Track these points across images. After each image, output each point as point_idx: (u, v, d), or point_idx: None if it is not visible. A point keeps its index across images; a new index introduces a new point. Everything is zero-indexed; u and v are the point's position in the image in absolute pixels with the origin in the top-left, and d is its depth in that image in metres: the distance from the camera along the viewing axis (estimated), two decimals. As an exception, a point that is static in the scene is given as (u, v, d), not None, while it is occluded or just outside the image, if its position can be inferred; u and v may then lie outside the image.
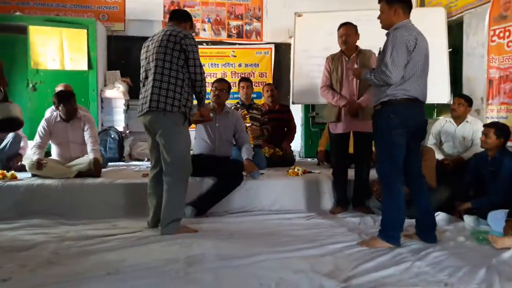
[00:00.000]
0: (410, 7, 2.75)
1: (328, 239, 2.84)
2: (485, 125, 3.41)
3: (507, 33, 4.14)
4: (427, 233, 2.76)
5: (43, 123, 3.92)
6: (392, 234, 2.67)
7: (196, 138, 3.87)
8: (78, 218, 3.31)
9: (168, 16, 6.37)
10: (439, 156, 3.91)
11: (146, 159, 5.49)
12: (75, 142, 3.97)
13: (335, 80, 3.62)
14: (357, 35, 3.58)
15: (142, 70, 3.05)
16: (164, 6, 6.50)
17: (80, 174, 3.75)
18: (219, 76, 6.48)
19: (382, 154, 2.72)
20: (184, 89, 2.90)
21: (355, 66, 3.48)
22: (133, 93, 5.95)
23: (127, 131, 5.73)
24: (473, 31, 4.81)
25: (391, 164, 2.68)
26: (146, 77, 2.97)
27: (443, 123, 4.18)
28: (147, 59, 2.98)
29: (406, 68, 2.62)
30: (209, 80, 5.34)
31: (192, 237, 2.88)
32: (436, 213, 3.33)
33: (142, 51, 3.08)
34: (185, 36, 2.88)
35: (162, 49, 2.86)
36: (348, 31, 3.54)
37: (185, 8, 6.54)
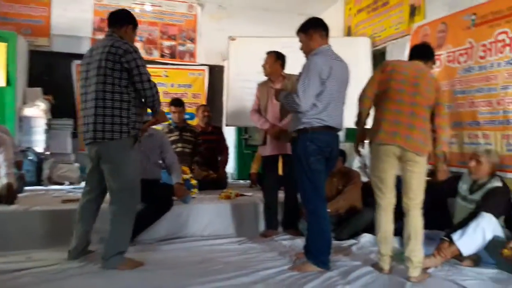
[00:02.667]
0: (326, 31, 2.81)
1: (259, 265, 2.81)
2: None
3: (426, 64, 4.47)
4: None
5: None
6: (321, 259, 2.70)
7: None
8: (-15, 250, 2.99)
9: (96, 33, 6.24)
10: (364, 178, 4.06)
11: (67, 183, 5.15)
12: None
13: (262, 105, 3.74)
14: (277, 62, 3.69)
15: (81, 91, 2.76)
16: (94, 23, 6.27)
17: (-10, 201, 3.40)
18: (150, 96, 6.31)
19: (304, 181, 2.74)
20: (131, 111, 2.66)
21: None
22: (55, 111, 5.61)
23: (47, 153, 5.34)
24: (395, 61, 5.13)
25: (313, 190, 2.72)
26: (86, 100, 2.70)
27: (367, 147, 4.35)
28: (88, 81, 2.69)
29: (320, 97, 2.65)
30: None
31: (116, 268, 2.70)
32: (363, 235, 3.44)
33: (81, 69, 2.78)
34: (125, 51, 2.61)
35: (101, 71, 2.60)
36: (267, 59, 3.72)
37: (116, 26, 6.35)
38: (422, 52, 2.89)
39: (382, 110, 2.69)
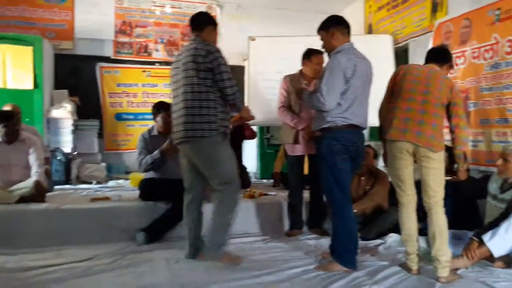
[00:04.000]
0: (347, 28, 2.77)
1: (285, 264, 2.82)
2: None
3: (448, 61, 4.41)
4: None
5: (-18, 145, 3.66)
6: (348, 258, 2.69)
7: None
8: (19, 247, 3.08)
9: (118, 35, 6.34)
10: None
11: (94, 182, 5.26)
12: (18, 165, 3.73)
13: (294, 101, 3.58)
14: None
15: (172, 94, 2.91)
16: (116, 26, 6.37)
17: (23, 199, 3.49)
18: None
19: (329, 180, 2.72)
20: (218, 109, 2.75)
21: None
22: (81, 113, 5.74)
23: (75, 153, 5.47)
24: (418, 58, 5.06)
25: (339, 190, 2.70)
26: (175, 103, 2.84)
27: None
28: (176, 84, 2.84)
29: (344, 95, 2.64)
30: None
31: (145, 265, 2.76)
32: (390, 234, 3.41)
33: (171, 72, 2.92)
34: (208, 52, 2.71)
35: (189, 73, 2.73)
36: (319, 59, 3.52)
37: (137, 28, 6.46)
38: (438, 56, 2.87)
39: (394, 108, 2.70)
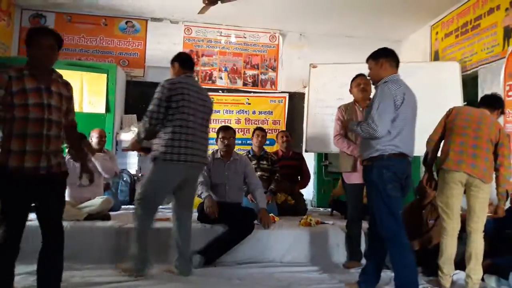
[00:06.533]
0: (396, 61, 2.84)
1: (341, 296, 2.73)
2: None
3: (522, 89, 4.16)
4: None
5: (57, 164, 3.95)
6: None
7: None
8: (84, 262, 3.25)
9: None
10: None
11: (156, 204, 5.44)
12: (87, 184, 3.96)
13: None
14: (370, 86, 3.60)
15: (186, 116, 3.02)
16: (183, 54, 6.69)
17: (91, 217, 3.71)
18: (233, 122, 6.56)
19: (381, 209, 2.68)
20: None
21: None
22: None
23: (140, 174, 5.73)
24: (488, 85, 4.82)
25: (392, 217, 2.65)
26: (195, 128, 3.06)
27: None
28: (192, 110, 3.05)
29: (394, 123, 2.65)
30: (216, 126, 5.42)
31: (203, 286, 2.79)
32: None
33: (186, 97, 3.01)
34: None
35: (206, 113, 3.20)
36: (366, 81, 3.55)
37: (204, 57, 6.74)
38: (490, 103, 3.19)
39: (448, 142, 3.05)
